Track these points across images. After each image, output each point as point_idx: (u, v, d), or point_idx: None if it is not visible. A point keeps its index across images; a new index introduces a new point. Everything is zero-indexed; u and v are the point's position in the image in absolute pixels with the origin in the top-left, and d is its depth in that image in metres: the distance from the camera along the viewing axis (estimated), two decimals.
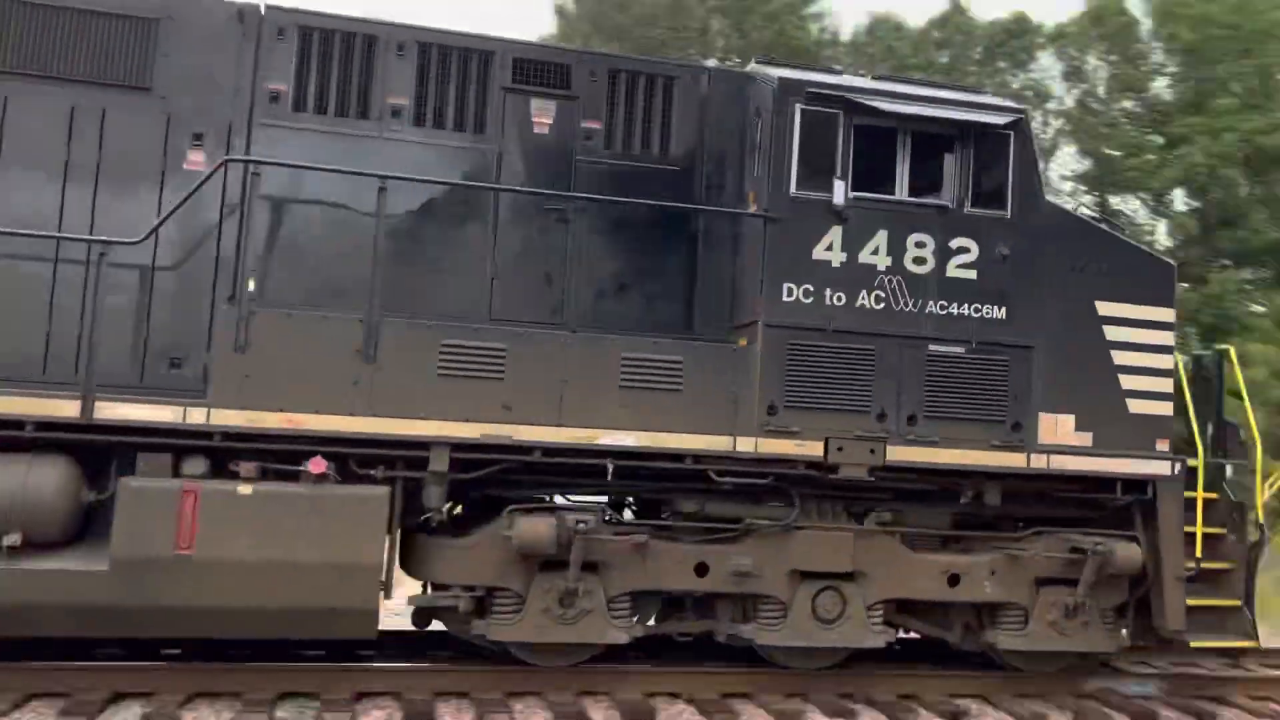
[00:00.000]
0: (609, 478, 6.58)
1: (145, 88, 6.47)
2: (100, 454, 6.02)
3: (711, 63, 7.85)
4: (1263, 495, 7.49)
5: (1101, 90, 26.43)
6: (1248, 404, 7.77)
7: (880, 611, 7.09)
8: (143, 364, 6.30)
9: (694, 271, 7.15)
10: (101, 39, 6.40)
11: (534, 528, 6.34)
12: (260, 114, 6.61)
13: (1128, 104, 26.19)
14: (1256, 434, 7.58)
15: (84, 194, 6.32)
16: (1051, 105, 26.64)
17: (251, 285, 6.17)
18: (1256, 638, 7.46)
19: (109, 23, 6.42)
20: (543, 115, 7.02)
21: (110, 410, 5.86)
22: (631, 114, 7.16)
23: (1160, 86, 26.26)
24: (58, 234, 6.16)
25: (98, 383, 5.88)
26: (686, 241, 7.16)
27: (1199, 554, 7.28)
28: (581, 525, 6.35)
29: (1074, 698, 7.26)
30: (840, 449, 6.69)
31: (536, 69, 7.03)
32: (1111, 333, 7.33)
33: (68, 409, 5.81)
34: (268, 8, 6.72)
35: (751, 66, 7.66)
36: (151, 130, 6.44)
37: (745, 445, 6.62)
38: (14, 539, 5.67)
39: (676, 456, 6.60)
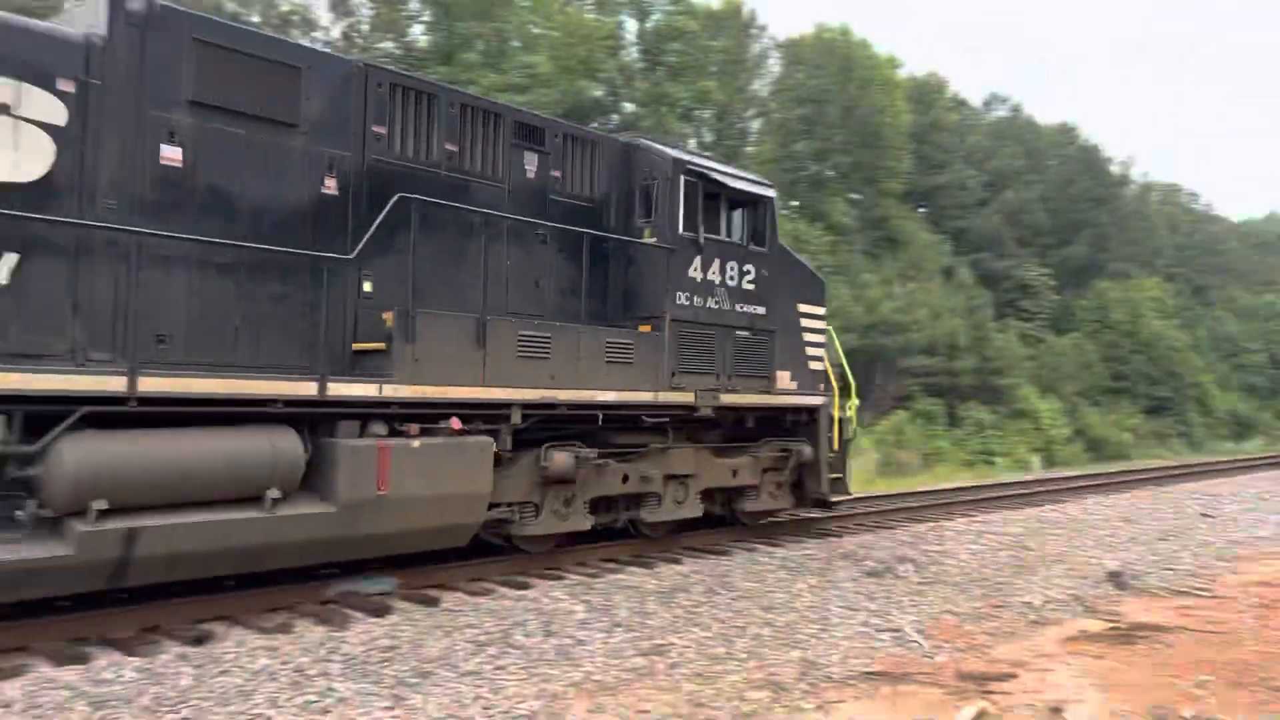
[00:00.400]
0: (599, 422, 9.66)
1: (292, 124, 7.97)
2: (298, 422, 7.51)
3: (623, 136, 11.14)
4: (850, 413, 13.46)
5: (366, 27, 27.40)
6: (844, 361, 13.64)
7: (700, 495, 11.26)
8: (340, 354, 8.12)
9: (608, 279, 10.39)
10: (263, 81, 7.75)
11: (561, 459, 9.29)
12: (370, 150, 8.43)
13: (389, 44, 27.09)
14: (851, 378, 13.53)
15: (257, 213, 7.74)
16: (318, 34, 26.87)
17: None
18: (849, 493, 13.42)
19: (269, 68, 7.82)
20: (531, 165, 9.78)
21: (334, 389, 7.55)
22: (576, 166, 10.24)
23: (419, 33, 27.94)
24: (296, 250, 7.70)
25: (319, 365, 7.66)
26: (604, 258, 10.37)
27: (835, 448, 12.94)
28: (586, 456, 9.55)
29: (318, 604, 7.72)
30: (699, 397, 10.57)
31: (527, 131, 9.76)
32: (803, 322, 12.25)
33: (307, 389, 7.37)
34: (369, 67, 8.57)
35: (641, 140, 11.04)
36: (300, 159, 8.00)
37: (662, 398, 10.13)
38: (276, 493, 7.20)
39: (634, 405, 9.86)
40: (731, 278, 11.12)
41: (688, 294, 10.54)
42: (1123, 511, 15.90)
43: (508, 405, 8.75)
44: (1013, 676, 7.05)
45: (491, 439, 8.60)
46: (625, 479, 10.18)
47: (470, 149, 9.19)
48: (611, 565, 9.26)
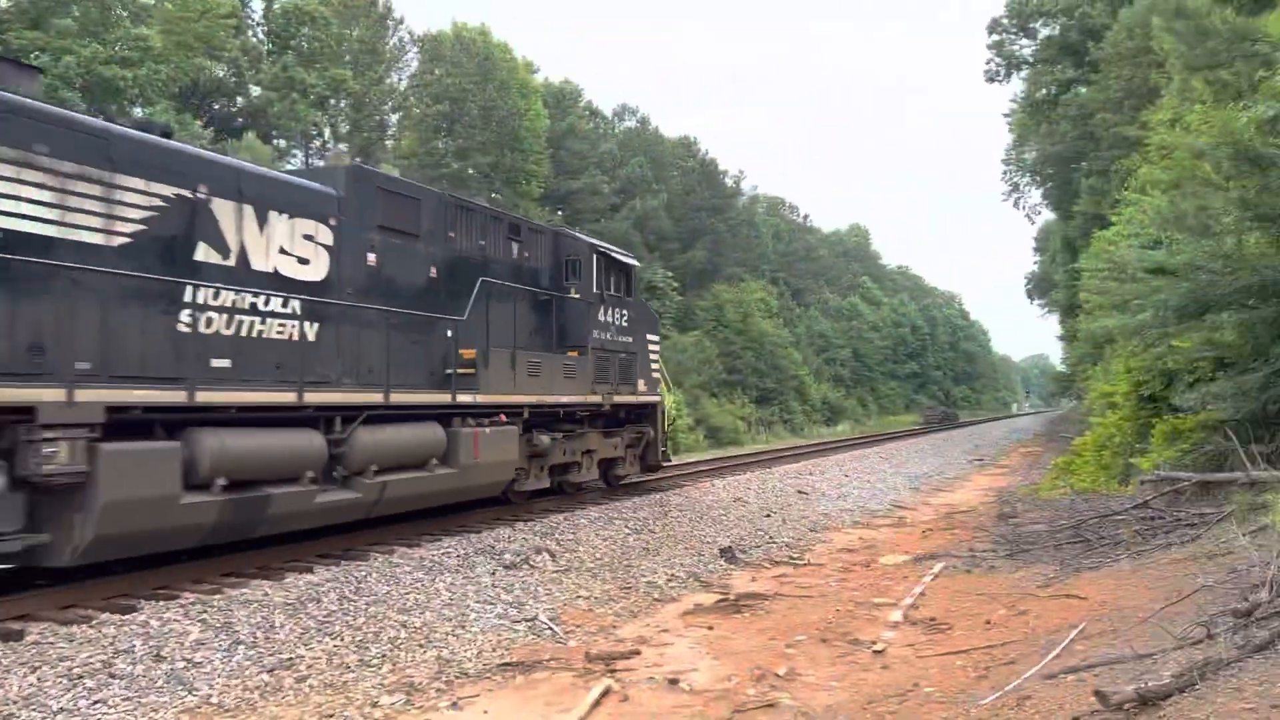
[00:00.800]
0: (560, 416, 14.28)
1: (416, 236, 11.86)
2: (438, 419, 11.47)
3: (553, 228, 16.48)
4: (671, 407, 18.38)
5: None
6: (665, 371, 18.22)
7: (597, 464, 15.79)
8: (440, 374, 11.83)
9: (552, 322, 14.54)
10: (407, 209, 11.73)
11: (544, 439, 13.71)
12: (449, 248, 12.43)
13: None
14: (667, 378, 18.15)
15: (405, 292, 11.62)
16: None
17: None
18: (671, 460, 18.91)
19: (408, 201, 11.85)
20: (514, 250, 13.99)
21: (459, 398, 11.72)
22: (533, 248, 14.51)
23: None
24: (430, 314, 11.81)
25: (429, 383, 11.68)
26: (549, 308, 14.51)
27: (666, 430, 17.92)
28: (558, 437, 14.12)
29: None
30: (604, 398, 15.22)
31: (514, 227, 14.10)
32: (649, 346, 17.27)
33: (446, 398, 11.57)
34: (450, 195, 13.24)
35: (567, 231, 16.91)
36: (421, 260, 11.96)
37: (589, 399, 14.78)
38: (434, 462, 11.31)
39: (573, 405, 14.42)
40: (616, 319, 16.08)
41: (598, 331, 15.40)
42: (735, 493, 17.48)
43: (523, 406, 13.05)
44: (637, 653, 7.52)
45: (516, 427, 12.88)
46: (564, 453, 14.54)
47: (490, 242, 13.37)
48: (233, 580, 8.65)
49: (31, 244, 7.41)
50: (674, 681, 6.77)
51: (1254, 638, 5.44)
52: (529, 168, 46.83)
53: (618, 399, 15.55)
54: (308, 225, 10.01)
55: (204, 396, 8.32)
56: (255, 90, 37.39)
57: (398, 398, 10.56)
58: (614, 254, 16.09)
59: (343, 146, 41.06)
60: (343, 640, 7.41)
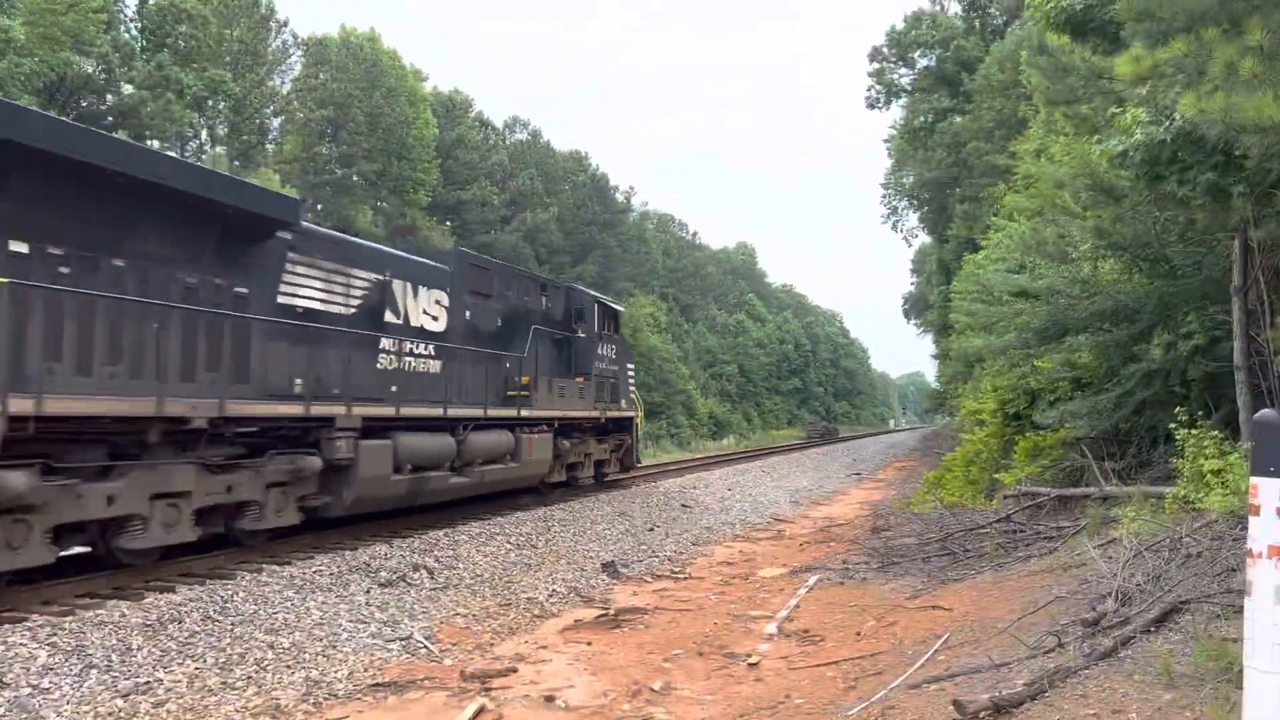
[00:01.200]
0: (573, 427, 18.17)
1: (490, 295, 15.70)
2: (508, 428, 15.20)
3: (563, 282, 21.12)
4: (639, 416, 22.16)
5: None
6: (636, 392, 22.58)
7: (593, 464, 19.96)
8: (503, 395, 15.40)
9: (565, 356, 18.52)
10: (484, 277, 15.71)
11: (566, 443, 17.81)
12: (508, 302, 16.40)
13: None
14: (638, 398, 22.58)
15: (485, 336, 15.47)
16: None
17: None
18: (640, 463, 23.36)
19: (485, 271, 15.93)
20: (544, 301, 17.92)
21: (523, 413, 15.54)
22: (553, 299, 18.42)
23: None
24: (504, 352, 15.71)
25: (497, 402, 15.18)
26: (565, 345, 18.59)
27: (637, 438, 22.19)
28: (574, 443, 18.25)
29: None
30: (601, 413, 19.23)
31: (543, 285, 18.24)
32: (628, 373, 21.57)
33: (514, 413, 15.31)
34: (510, 265, 18.57)
35: (576, 285, 21.28)
36: (494, 313, 15.84)
37: (592, 414, 18.81)
38: (508, 458, 15.13)
39: (580, 418, 18.36)
40: (608, 352, 20.20)
41: (597, 362, 19.45)
42: (620, 507, 17.53)
43: (555, 419, 17.05)
44: (514, 671, 7.45)
45: (550, 434, 16.81)
46: (575, 454, 18.55)
47: (531, 297, 17.42)
48: (87, 601, 8.21)
49: (316, 315, 11.46)
50: (550, 699, 6.74)
51: (1100, 646, 5.74)
52: (417, 176, 46.15)
53: (609, 414, 19.81)
54: (437, 294, 14.10)
55: (403, 411, 12.51)
56: (127, 88, 35.82)
57: (492, 413, 14.68)
58: (607, 302, 20.89)
59: (220, 150, 39.68)
60: (205, 662, 7.12)
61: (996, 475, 16.06)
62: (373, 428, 11.71)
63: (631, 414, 21.40)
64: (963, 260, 27.76)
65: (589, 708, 6.58)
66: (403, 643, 8.11)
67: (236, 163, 39.04)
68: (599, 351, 19.54)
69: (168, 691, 6.50)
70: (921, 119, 43.28)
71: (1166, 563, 7.34)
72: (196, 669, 6.97)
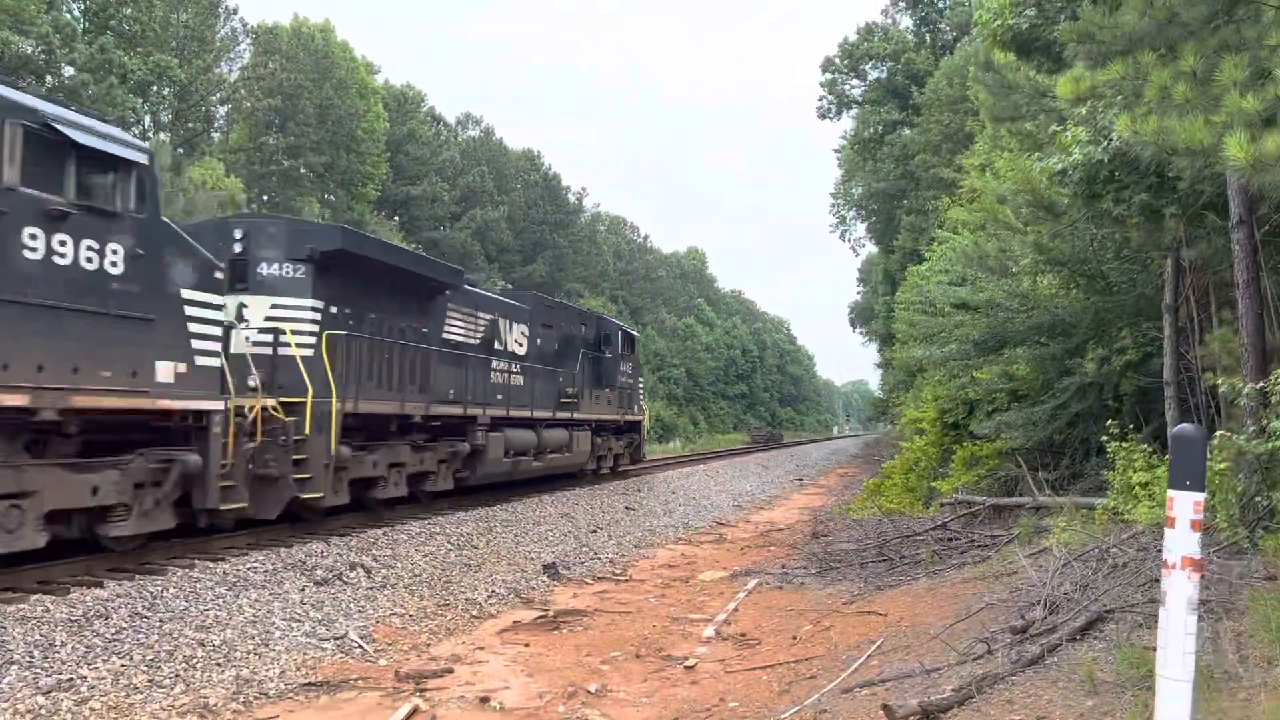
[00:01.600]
0: (603, 428, 23.52)
1: (551, 326, 20.48)
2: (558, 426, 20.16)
3: (602, 314, 26.79)
4: (646, 420, 28.31)
5: None
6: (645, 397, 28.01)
7: (613, 457, 25.34)
8: (558, 401, 19.98)
9: (595, 370, 22.57)
10: (551, 315, 20.85)
11: (598, 440, 22.79)
12: (566, 332, 21.44)
13: None
14: (647, 405, 28.42)
15: (549, 356, 20.33)
16: None
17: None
18: (645, 456, 29.44)
19: (550, 308, 21.18)
20: (584, 328, 22.66)
21: (576, 415, 20.96)
22: (590, 327, 23.23)
23: None
24: (560, 369, 20.62)
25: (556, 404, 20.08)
26: (596, 362, 22.68)
27: (644, 437, 28.86)
28: (604, 439, 23.48)
29: None
30: (622, 416, 24.66)
31: (583, 315, 23.82)
32: (639, 383, 27.30)
33: (568, 415, 20.47)
34: (564, 303, 25.51)
35: (603, 315, 26.80)
36: (554, 338, 20.65)
37: (615, 417, 24.14)
38: (564, 449, 20.10)
39: (609, 419, 23.69)
40: (627, 368, 24.57)
41: (620, 376, 23.64)
42: (563, 509, 17.50)
43: (593, 421, 22.00)
44: (450, 672, 7.40)
45: (590, 431, 21.61)
46: (604, 449, 23.38)
47: (573, 325, 21.93)
48: (8, 595, 7.98)
49: (458, 345, 15.84)
50: (485, 700, 6.70)
51: (1027, 653, 5.86)
52: (366, 170, 45.64)
53: (628, 417, 24.91)
54: (522, 326, 18.64)
55: (507, 413, 17.23)
56: (69, 70, 34.92)
57: (557, 415, 19.70)
58: (626, 329, 25.75)
59: (164, 136, 38.88)
60: (132, 659, 6.96)
61: (934, 483, 16.34)
62: (489, 424, 16.31)
63: (640, 418, 26.82)
64: (907, 271, 28.19)
65: (524, 709, 6.56)
66: (337, 642, 8.02)
67: (180, 150, 38.26)
68: (621, 368, 24.09)
69: (91, 689, 6.34)
70: (871, 130, 43.87)
71: (1094, 572, 7.52)
72: (122, 666, 6.81)
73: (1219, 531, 7.59)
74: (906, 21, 46.98)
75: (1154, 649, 3.25)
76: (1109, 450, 10.11)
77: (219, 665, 7.12)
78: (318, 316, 12.32)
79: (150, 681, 6.63)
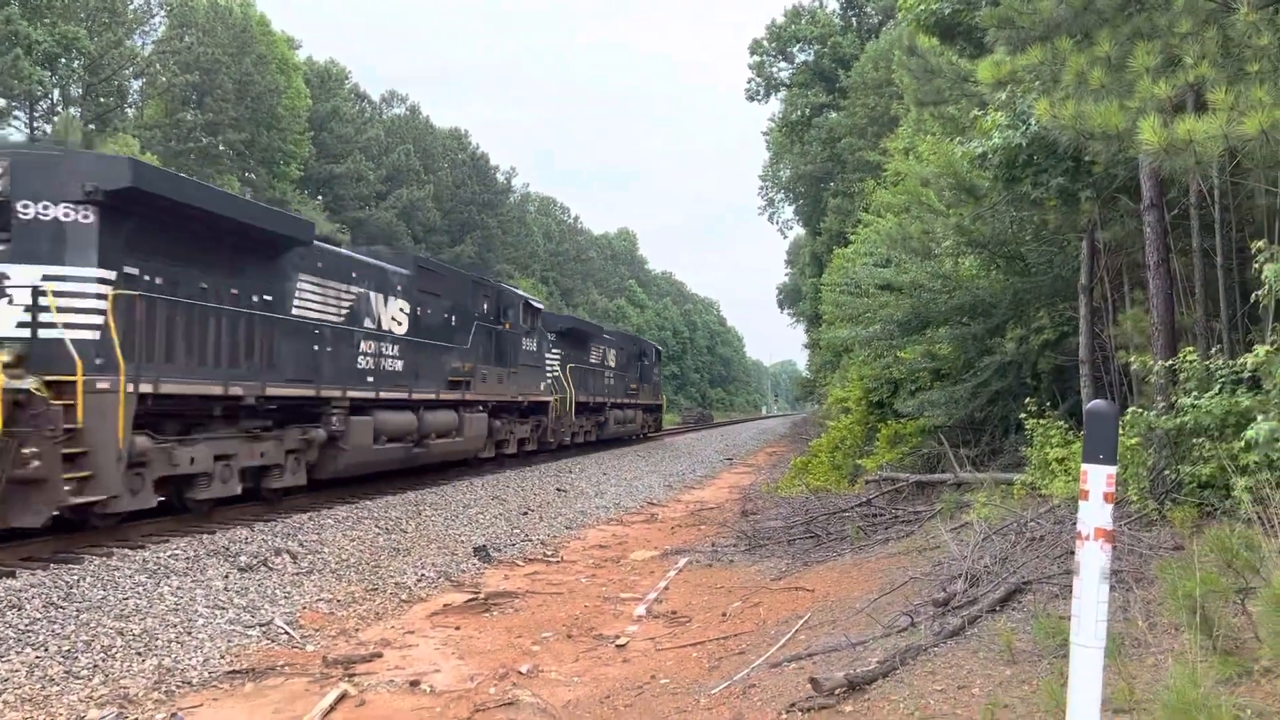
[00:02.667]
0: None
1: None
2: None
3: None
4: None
5: None
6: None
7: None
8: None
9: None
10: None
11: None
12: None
13: None
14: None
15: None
16: None
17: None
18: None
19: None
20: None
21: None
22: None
23: None
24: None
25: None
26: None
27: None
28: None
29: None
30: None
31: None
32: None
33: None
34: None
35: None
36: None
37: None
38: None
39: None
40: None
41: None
42: (494, 492, 17.42)
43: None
44: (379, 656, 7.33)
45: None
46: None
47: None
48: None
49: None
50: (415, 683, 6.66)
51: (949, 625, 6.03)
52: (288, 148, 44.58)
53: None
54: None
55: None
56: None
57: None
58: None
59: (74, 111, 37.44)
60: (47, 650, 6.75)
61: (860, 461, 16.65)
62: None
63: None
64: (834, 253, 28.58)
65: (455, 691, 6.53)
66: (263, 628, 7.88)
67: (92, 126, 36.90)
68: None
69: (4, 682, 6.14)
70: (799, 113, 44.26)
71: (1013, 546, 7.76)
72: (37, 657, 6.60)
73: (1130, 504, 7.88)
74: (833, 4, 47.46)
75: (1069, 618, 3.37)
76: (1027, 427, 10.42)
77: (139, 654, 6.95)
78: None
79: (67, 673, 6.45)
